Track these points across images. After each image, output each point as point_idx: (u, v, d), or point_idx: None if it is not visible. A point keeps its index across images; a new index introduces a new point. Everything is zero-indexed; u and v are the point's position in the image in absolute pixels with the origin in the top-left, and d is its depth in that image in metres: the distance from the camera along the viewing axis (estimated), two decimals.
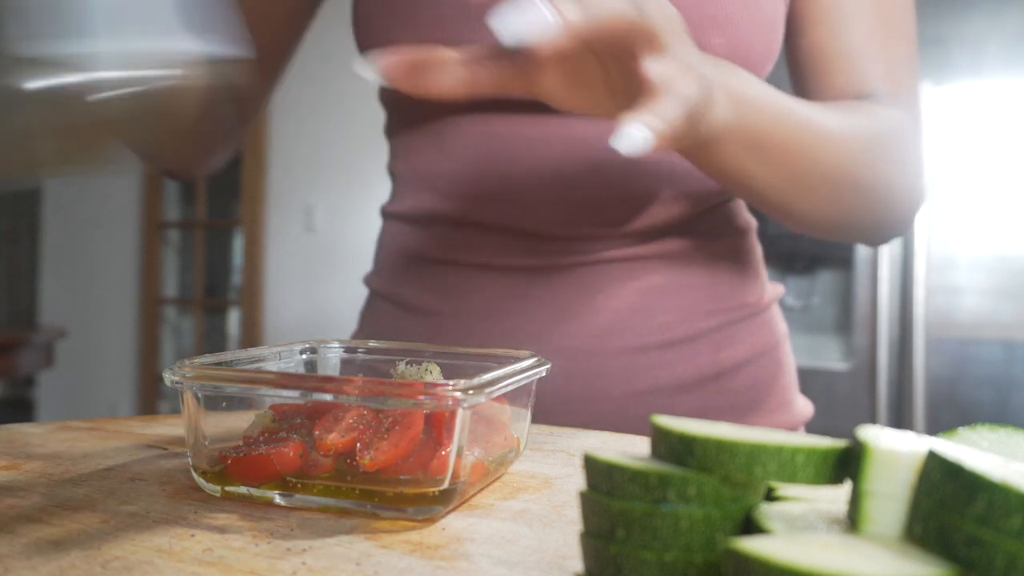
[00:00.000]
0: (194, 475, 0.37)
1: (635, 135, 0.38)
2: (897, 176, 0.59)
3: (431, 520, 0.34)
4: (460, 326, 0.62)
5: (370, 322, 0.69)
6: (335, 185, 3.40)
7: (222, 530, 0.32)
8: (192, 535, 0.32)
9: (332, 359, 0.48)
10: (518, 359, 0.42)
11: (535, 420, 0.59)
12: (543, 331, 0.60)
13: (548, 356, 0.59)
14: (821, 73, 0.62)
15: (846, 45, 0.61)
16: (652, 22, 0.39)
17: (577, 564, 0.30)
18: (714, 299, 0.62)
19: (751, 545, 0.19)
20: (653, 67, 0.40)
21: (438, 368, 0.42)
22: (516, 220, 0.60)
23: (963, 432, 0.27)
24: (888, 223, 0.61)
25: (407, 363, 0.43)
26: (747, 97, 0.48)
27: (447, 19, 0.57)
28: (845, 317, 2.37)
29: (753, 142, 0.49)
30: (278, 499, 0.36)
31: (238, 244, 3.92)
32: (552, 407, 0.60)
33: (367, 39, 0.62)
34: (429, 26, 0.58)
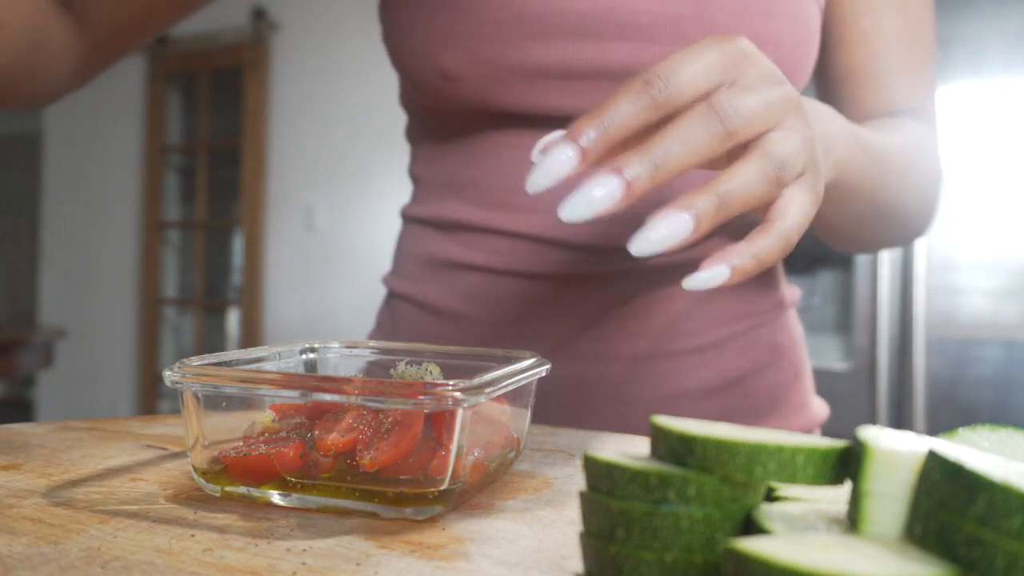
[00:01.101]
0: (194, 475, 0.37)
1: (716, 274, 0.34)
2: (928, 191, 0.63)
3: (431, 520, 0.34)
4: (489, 330, 0.62)
5: (390, 323, 0.68)
6: (335, 185, 3.39)
7: (222, 530, 0.32)
8: (192, 535, 0.32)
9: (332, 359, 0.48)
10: (518, 359, 0.42)
11: (560, 424, 0.59)
12: (573, 336, 0.60)
13: (577, 362, 0.59)
14: (854, 92, 0.65)
15: (881, 66, 0.64)
16: (749, 133, 0.35)
17: (577, 564, 0.30)
18: (741, 303, 0.63)
19: (751, 545, 0.19)
20: (760, 186, 0.35)
21: (438, 368, 0.42)
22: (548, 231, 0.59)
23: (963, 432, 0.27)
24: (917, 234, 0.66)
25: (407, 363, 0.43)
26: (842, 158, 0.47)
27: (491, 36, 0.57)
28: (845, 317, 2.37)
29: (838, 199, 0.51)
30: (278, 499, 0.36)
31: (238, 244, 3.92)
32: (580, 412, 0.60)
33: (404, 53, 0.61)
34: (472, 43, 0.57)
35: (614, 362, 0.60)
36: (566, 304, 0.60)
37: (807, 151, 0.36)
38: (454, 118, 0.62)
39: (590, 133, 0.33)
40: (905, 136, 0.60)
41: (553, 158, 0.33)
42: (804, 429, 0.66)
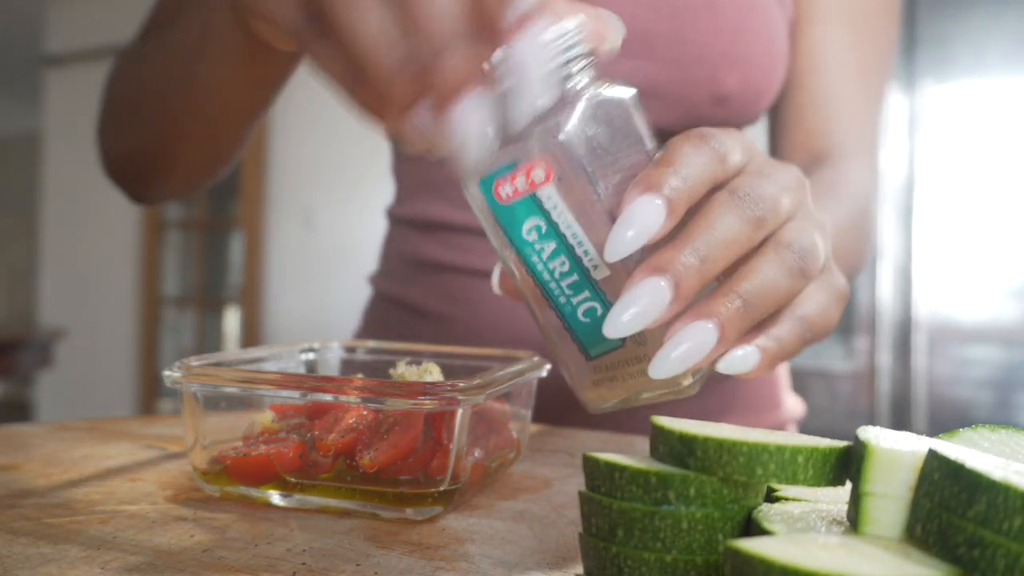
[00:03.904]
0: (194, 475, 0.37)
1: (748, 354, 0.30)
2: (868, 246, 0.62)
3: (431, 520, 0.34)
4: (470, 331, 0.62)
5: (375, 322, 0.69)
6: (335, 185, 3.39)
7: (222, 530, 0.32)
8: (192, 535, 0.32)
9: (332, 359, 0.48)
10: (518, 359, 0.42)
11: (540, 421, 0.59)
12: None
13: (556, 363, 0.59)
14: (798, 109, 0.63)
15: (826, 87, 0.62)
16: (775, 222, 0.30)
17: (577, 564, 0.30)
18: None
19: (752, 545, 0.19)
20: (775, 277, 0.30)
21: (438, 368, 0.42)
22: None
23: (963, 433, 0.27)
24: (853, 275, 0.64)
25: (407, 363, 0.43)
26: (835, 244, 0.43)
27: None
28: (845, 317, 2.36)
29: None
30: (278, 499, 0.36)
31: (238, 244, 3.92)
32: (559, 411, 0.60)
33: None
34: None
35: None
36: None
37: (824, 241, 0.32)
38: None
39: (671, 183, 0.29)
40: (851, 201, 0.58)
41: (641, 210, 0.28)
42: (776, 425, 0.67)
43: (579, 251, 0.29)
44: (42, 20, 4.09)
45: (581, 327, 0.30)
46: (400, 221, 0.68)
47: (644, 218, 0.28)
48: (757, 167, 0.32)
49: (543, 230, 0.29)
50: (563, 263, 0.30)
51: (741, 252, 0.29)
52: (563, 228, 0.29)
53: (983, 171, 2.15)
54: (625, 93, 0.30)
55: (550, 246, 0.29)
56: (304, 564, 0.29)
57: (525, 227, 0.29)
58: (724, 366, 0.30)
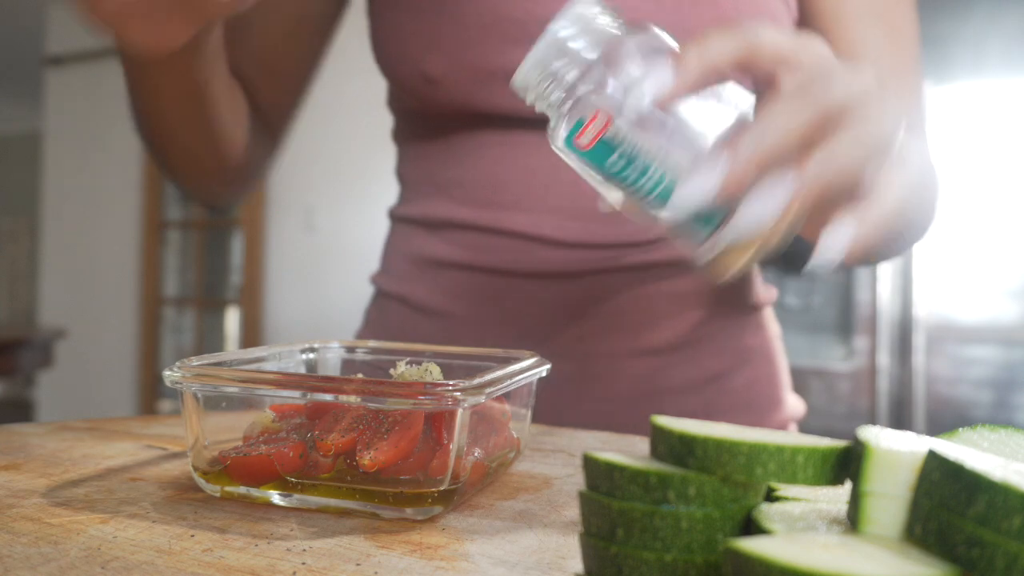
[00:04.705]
0: (194, 475, 0.37)
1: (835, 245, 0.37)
2: (933, 205, 0.61)
3: (431, 520, 0.34)
4: (474, 329, 0.62)
5: (378, 321, 0.69)
6: (335, 185, 3.39)
7: (222, 530, 0.32)
8: (192, 535, 0.32)
9: (332, 359, 0.48)
10: (518, 359, 0.42)
11: (545, 421, 0.59)
12: (556, 334, 0.60)
13: (560, 359, 0.60)
14: None
15: (861, 60, 0.63)
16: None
17: (577, 564, 0.30)
18: (718, 303, 0.64)
19: (751, 545, 0.19)
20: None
21: (438, 368, 0.42)
22: (533, 228, 0.60)
23: (963, 432, 0.27)
24: (916, 243, 0.64)
25: (407, 363, 0.43)
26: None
27: (473, 41, 0.57)
28: (845, 317, 2.37)
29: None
30: (278, 499, 0.36)
31: (238, 244, 3.92)
32: (563, 409, 0.61)
33: (388, 58, 0.62)
34: (454, 48, 0.58)
35: (596, 359, 0.61)
36: (548, 302, 0.61)
37: (875, 148, 0.36)
38: (438, 119, 0.63)
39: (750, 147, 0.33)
40: (911, 155, 0.60)
41: (701, 180, 0.34)
42: (779, 425, 0.67)
43: (652, 167, 0.37)
44: (42, 20, 4.09)
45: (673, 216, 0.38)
46: (404, 221, 0.68)
47: (705, 187, 0.34)
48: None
49: (623, 161, 0.36)
50: (646, 178, 0.37)
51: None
52: (634, 154, 0.36)
53: (982, 171, 2.15)
54: (644, 29, 0.37)
55: (632, 170, 0.37)
56: (304, 564, 0.29)
57: (608, 162, 0.37)
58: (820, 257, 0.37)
